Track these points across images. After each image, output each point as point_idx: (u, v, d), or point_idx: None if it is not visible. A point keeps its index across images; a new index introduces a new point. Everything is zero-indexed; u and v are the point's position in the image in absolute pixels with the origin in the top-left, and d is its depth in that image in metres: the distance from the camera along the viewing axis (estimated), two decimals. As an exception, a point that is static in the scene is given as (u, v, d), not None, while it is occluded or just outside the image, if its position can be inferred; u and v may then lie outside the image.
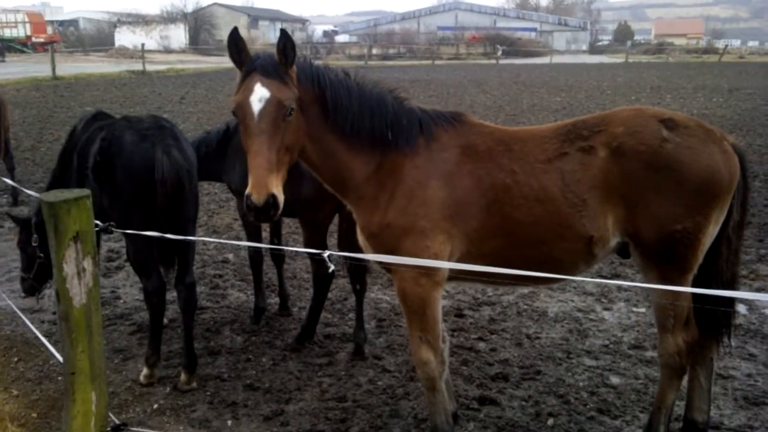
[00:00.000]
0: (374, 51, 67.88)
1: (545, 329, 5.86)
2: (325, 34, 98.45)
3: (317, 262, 5.25)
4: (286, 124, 3.24)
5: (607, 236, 3.54)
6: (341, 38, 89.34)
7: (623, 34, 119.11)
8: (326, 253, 2.96)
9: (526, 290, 6.73)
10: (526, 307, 6.38)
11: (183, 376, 4.86)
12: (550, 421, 4.44)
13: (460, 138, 3.65)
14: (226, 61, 54.94)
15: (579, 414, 4.52)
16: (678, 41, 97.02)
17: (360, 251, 5.20)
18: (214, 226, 9.08)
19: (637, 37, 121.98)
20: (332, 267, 3.02)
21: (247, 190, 3.11)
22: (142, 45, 47.87)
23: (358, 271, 5.29)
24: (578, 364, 5.22)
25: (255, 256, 5.93)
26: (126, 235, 4.66)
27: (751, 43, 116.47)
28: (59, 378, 4.99)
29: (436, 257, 3.55)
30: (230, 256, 7.89)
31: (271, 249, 6.08)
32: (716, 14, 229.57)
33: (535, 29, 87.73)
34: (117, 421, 2.97)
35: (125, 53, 57.42)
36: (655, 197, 3.43)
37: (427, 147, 3.59)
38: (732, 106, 22.38)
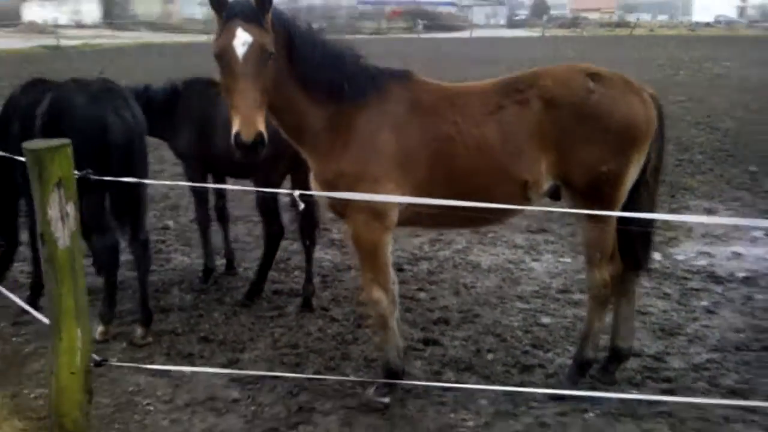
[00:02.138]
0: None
1: (480, 279, 6.26)
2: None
3: (268, 221, 5.48)
4: (267, 68, 3.46)
5: (541, 180, 3.91)
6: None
7: (540, 8, 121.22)
8: (296, 193, 3.20)
9: (461, 245, 7.13)
10: (460, 260, 6.77)
11: (139, 331, 5.03)
12: (490, 356, 4.83)
13: (408, 93, 3.95)
14: (144, 36, 54.18)
15: (515, 349, 4.93)
16: (591, 15, 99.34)
17: (311, 209, 5.49)
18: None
19: (552, 12, 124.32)
20: (302, 205, 3.27)
21: (235, 129, 3.32)
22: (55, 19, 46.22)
23: (308, 228, 5.55)
24: (512, 308, 5.64)
25: (203, 220, 6.10)
26: (81, 193, 4.81)
27: (660, 17, 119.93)
28: (14, 338, 5.11)
29: (386, 204, 3.85)
30: (170, 222, 8.00)
31: (218, 213, 6.26)
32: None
33: (454, 4, 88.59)
34: (98, 358, 3.17)
35: (35, 28, 55.27)
36: (583, 142, 3.81)
37: (378, 101, 3.87)
38: (642, 79, 23.37)
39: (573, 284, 6.11)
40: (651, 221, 4.25)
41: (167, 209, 8.53)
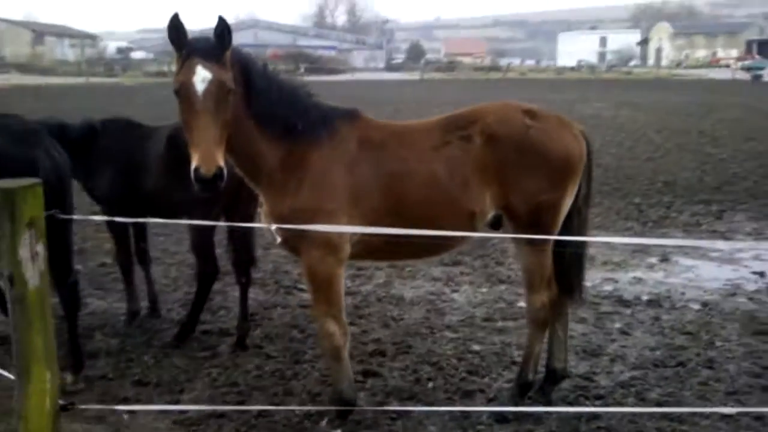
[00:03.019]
0: (174, 68, 66.14)
1: (406, 311, 6.41)
2: (120, 50, 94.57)
3: (203, 260, 5.43)
4: (227, 104, 3.51)
5: (486, 210, 4.13)
6: (137, 55, 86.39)
7: (416, 52, 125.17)
8: (273, 227, 3.25)
9: (381, 279, 7.27)
10: (384, 294, 6.90)
11: (69, 377, 4.84)
12: (430, 384, 4.96)
13: (357, 131, 4.09)
14: (14, 78, 51.82)
15: (452, 377, 5.08)
16: (465, 59, 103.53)
17: (248, 247, 5.50)
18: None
19: (428, 56, 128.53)
20: (279, 239, 3.31)
21: (195, 164, 3.36)
22: None
23: (244, 265, 5.54)
24: (442, 338, 5.81)
25: (125, 262, 5.96)
26: None
27: (528, 61, 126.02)
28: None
29: (340, 238, 3.96)
30: (78, 266, 7.71)
31: (139, 256, 6.13)
32: (497, 35, 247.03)
33: (334, 47, 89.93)
34: (62, 402, 3.07)
35: None
36: (523, 175, 4.06)
37: (330, 138, 3.99)
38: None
39: (495, 312, 6.37)
40: (583, 248, 4.55)
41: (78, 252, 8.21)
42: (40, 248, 2.86)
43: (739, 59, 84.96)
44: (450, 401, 4.73)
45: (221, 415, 4.51)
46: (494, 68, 77.68)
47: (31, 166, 4.50)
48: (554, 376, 4.64)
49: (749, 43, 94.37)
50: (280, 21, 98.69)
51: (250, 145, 3.85)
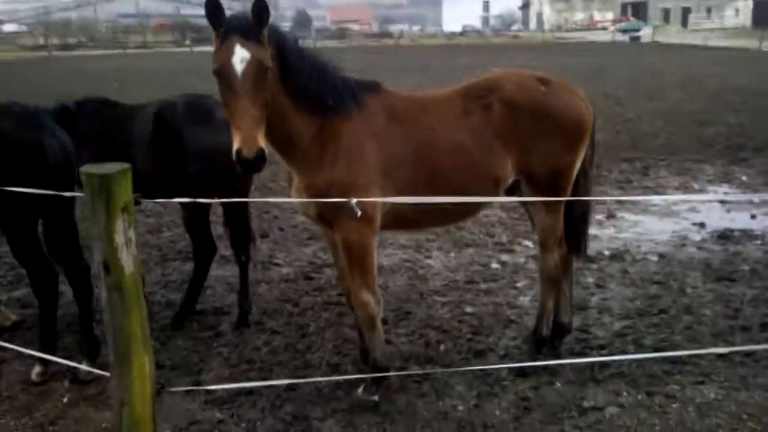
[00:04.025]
0: (50, 41, 62.89)
1: (390, 279, 6.55)
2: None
3: (199, 239, 5.37)
4: (265, 83, 3.48)
5: (507, 176, 4.32)
6: (8, 27, 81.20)
7: (302, 20, 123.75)
8: (353, 201, 3.30)
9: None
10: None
11: (84, 365, 4.74)
12: (442, 347, 5.16)
13: (383, 103, 4.16)
14: None
15: (459, 338, 5.29)
16: (352, 26, 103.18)
17: (245, 225, 5.49)
18: None
19: (315, 23, 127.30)
20: (359, 212, 3.37)
21: (237, 146, 3.33)
22: None
23: (243, 243, 5.53)
24: (434, 302, 6.00)
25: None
26: (5, 227, 4.47)
27: (414, 27, 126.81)
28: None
29: (374, 209, 4.05)
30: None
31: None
32: (381, 1, 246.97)
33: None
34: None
35: None
36: (541, 140, 4.27)
37: (358, 112, 4.05)
38: (442, 85, 24.95)
39: (474, 275, 6.61)
40: (589, 207, 4.84)
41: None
42: (132, 233, 2.84)
43: (615, 21, 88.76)
44: (466, 361, 4.94)
45: (249, 392, 4.55)
46: (386, 35, 77.90)
47: (39, 149, 4.36)
48: (562, 329, 4.93)
49: (624, 6, 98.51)
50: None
51: (286, 121, 3.86)
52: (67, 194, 3.56)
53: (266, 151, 3.45)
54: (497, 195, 4.36)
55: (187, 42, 64.07)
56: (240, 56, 3.44)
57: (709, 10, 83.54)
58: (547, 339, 4.88)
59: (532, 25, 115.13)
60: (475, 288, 6.30)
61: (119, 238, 2.79)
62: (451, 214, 4.43)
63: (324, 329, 5.49)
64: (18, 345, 4.96)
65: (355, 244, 4.10)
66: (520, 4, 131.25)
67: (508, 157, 4.26)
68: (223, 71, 3.46)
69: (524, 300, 6.00)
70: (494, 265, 6.91)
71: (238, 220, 5.50)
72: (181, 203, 5.35)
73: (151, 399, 2.97)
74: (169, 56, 48.90)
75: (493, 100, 4.25)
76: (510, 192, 4.56)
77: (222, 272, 6.79)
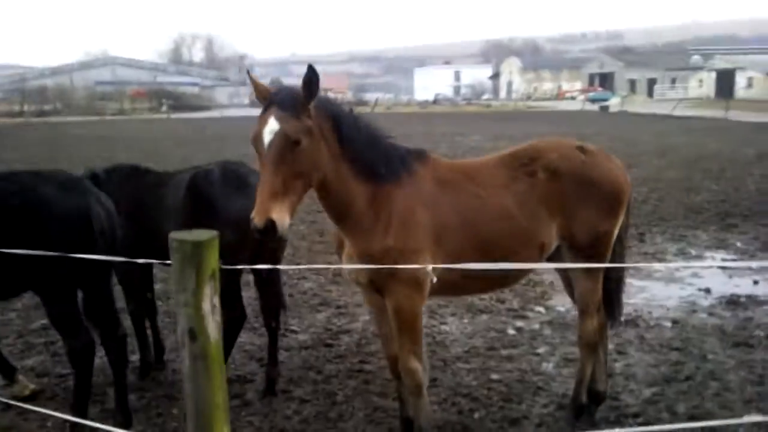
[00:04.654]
0: (26, 107, 62.92)
1: (410, 346, 6.53)
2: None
3: (229, 306, 5.32)
4: (293, 155, 3.53)
5: (551, 241, 4.39)
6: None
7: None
8: (429, 267, 3.34)
9: (366, 317, 7.37)
10: (371, 331, 6.99)
11: (117, 437, 4.65)
12: (476, 415, 5.13)
13: (431, 171, 4.24)
14: None
15: (491, 405, 5.27)
16: (329, 94, 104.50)
17: (277, 291, 5.48)
18: None
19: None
20: (434, 278, 3.40)
21: (252, 214, 3.44)
22: None
23: (274, 309, 5.50)
24: (459, 369, 5.98)
25: (137, 312, 5.77)
26: (47, 293, 4.42)
27: (387, 96, 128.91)
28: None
29: (425, 276, 4.09)
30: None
31: (146, 305, 5.93)
32: (353, 71, 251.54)
33: (197, 84, 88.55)
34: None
35: None
36: (583, 207, 4.37)
37: (409, 179, 4.11)
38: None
39: (493, 342, 6.61)
40: (623, 273, 4.92)
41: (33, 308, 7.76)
42: (216, 300, 2.83)
43: (583, 91, 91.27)
44: (502, 429, 4.91)
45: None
46: (361, 103, 79.05)
47: (86, 216, 4.36)
48: (598, 396, 4.94)
49: (591, 76, 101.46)
50: (136, 57, 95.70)
51: (344, 187, 3.91)
52: (140, 261, 3.53)
53: (281, 223, 3.47)
54: (541, 260, 4.42)
55: (164, 109, 64.47)
56: (270, 128, 3.53)
57: (673, 81, 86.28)
58: (585, 406, 4.89)
59: (502, 94, 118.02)
60: (497, 354, 6.30)
61: (206, 305, 2.78)
62: (498, 279, 4.49)
63: (352, 397, 5.43)
64: (39, 414, 4.88)
65: (405, 311, 4.12)
66: (490, 74, 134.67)
67: (553, 224, 4.35)
68: (254, 141, 3.59)
69: (548, 367, 6.01)
70: (510, 331, 6.92)
71: (269, 286, 5.49)
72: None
73: (229, 470, 2.92)
74: (148, 123, 49.05)
75: (537, 168, 4.36)
76: (548, 258, 4.63)
77: (244, 340, 6.73)
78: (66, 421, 4.87)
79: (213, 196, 5.09)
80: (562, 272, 4.98)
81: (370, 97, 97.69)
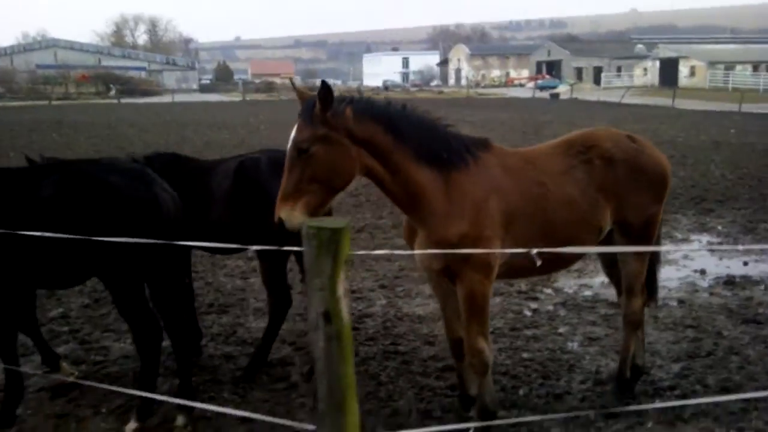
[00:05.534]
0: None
1: (434, 328, 6.69)
2: None
3: (276, 292, 5.40)
4: (303, 160, 3.79)
5: (606, 226, 4.60)
6: None
7: (224, 73, 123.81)
8: (534, 251, 3.46)
9: (383, 300, 7.50)
10: (399, 314, 7.11)
11: (180, 419, 4.69)
12: (521, 392, 5.32)
13: (496, 158, 4.39)
14: None
15: (533, 382, 5.47)
16: (275, 80, 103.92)
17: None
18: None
19: (236, 77, 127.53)
20: (539, 262, 3.53)
21: None
22: None
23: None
24: (489, 349, 6.17)
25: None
26: (116, 281, 4.43)
27: (336, 82, 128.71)
28: None
29: (495, 261, 4.26)
30: (59, 310, 7.25)
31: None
32: (299, 56, 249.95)
33: (144, 68, 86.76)
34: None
35: None
36: (635, 192, 4.59)
37: (476, 166, 4.25)
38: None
39: (515, 323, 6.82)
40: (659, 257, 5.18)
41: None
42: (347, 285, 2.94)
43: (531, 79, 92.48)
44: (549, 404, 5.11)
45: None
46: (313, 89, 78.52)
47: (155, 204, 4.37)
48: (638, 371, 5.19)
49: (539, 64, 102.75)
50: (75, 39, 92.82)
51: (408, 178, 4.05)
52: (287, 248, 3.62)
53: (289, 222, 3.82)
54: (597, 243, 4.62)
55: (112, 93, 63.12)
56: (290, 136, 3.84)
57: (619, 69, 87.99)
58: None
59: (451, 81, 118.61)
60: (522, 335, 6.50)
61: (340, 290, 2.88)
62: (560, 262, 4.68)
63: (395, 378, 5.57)
64: (88, 401, 4.91)
65: (477, 295, 4.27)
66: (438, 60, 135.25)
67: (608, 209, 4.55)
68: None
69: (573, 346, 6.23)
70: (527, 313, 7.14)
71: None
72: (259, 257, 5.42)
73: (362, 446, 3.03)
74: (99, 108, 47.97)
75: (593, 156, 4.54)
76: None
77: (261, 324, 6.79)
78: (123, 405, 4.91)
79: (262, 184, 5.15)
80: (605, 255, 5.20)
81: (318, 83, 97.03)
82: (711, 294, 7.69)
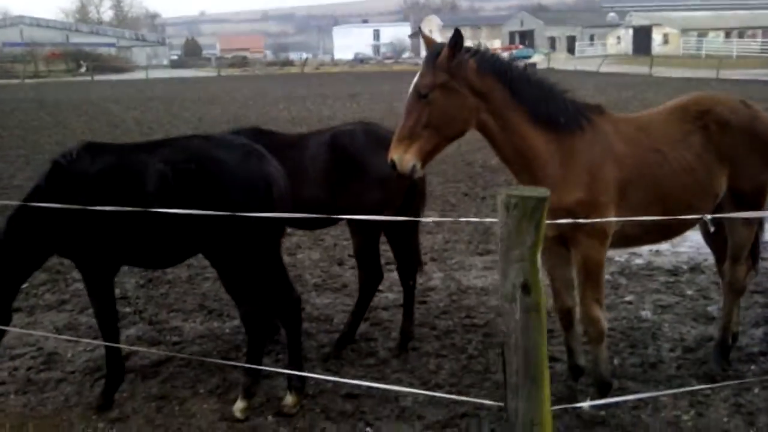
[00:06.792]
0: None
1: (487, 299, 6.65)
2: None
3: (366, 267, 5.32)
4: (422, 105, 3.85)
5: (720, 192, 4.58)
6: None
7: (192, 48, 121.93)
8: (708, 216, 3.42)
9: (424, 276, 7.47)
10: (445, 286, 7.10)
11: (289, 398, 4.61)
12: (615, 361, 5.32)
13: (611, 125, 4.34)
14: None
15: (622, 351, 5.45)
16: (244, 54, 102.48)
17: (416, 250, 5.49)
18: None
19: (205, 52, 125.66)
20: (713, 228, 3.48)
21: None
22: None
23: (411, 268, 5.51)
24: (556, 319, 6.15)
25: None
26: (225, 259, 4.33)
27: (304, 55, 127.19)
28: None
29: (610, 228, 4.23)
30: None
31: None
32: (267, 29, 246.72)
33: (113, 44, 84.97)
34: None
35: None
36: (749, 158, 4.56)
37: (591, 132, 4.20)
38: (366, 110, 25.25)
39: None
40: (763, 225, 5.17)
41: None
42: (539, 257, 2.89)
43: (505, 49, 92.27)
44: (646, 373, 5.11)
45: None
46: (287, 63, 77.89)
47: (267, 181, 4.26)
48: (735, 339, 5.22)
49: (512, 34, 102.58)
50: (38, 15, 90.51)
51: (520, 139, 4.05)
52: (409, 218, 3.55)
53: (400, 164, 3.89)
54: (712, 210, 4.59)
55: (83, 70, 61.85)
56: (413, 81, 3.90)
57: (592, 38, 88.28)
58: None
59: (423, 52, 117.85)
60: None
61: (539, 260, 2.83)
62: (673, 229, 4.64)
63: (484, 351, 5.53)
64: (183, 382, 4.83)
65: (592, 261, 4.24)
66: (409, 32, 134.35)
67: (724, 175, 4.53)
68: None
69: (647, 314, 6.22)
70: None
71: (408, 244, 5.50)
72: (352, 231, 5.32)
73: (551, 417, 3.00)
74: (73, 85, 46.95)
75: (709, 122, 4.50)
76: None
77: (326, 300, 6.73)
78: (220, 384, 4.83)
79: (359, 156, 5.05)
80: (712, 222, 5.17)
81: (292, 57, 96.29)
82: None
